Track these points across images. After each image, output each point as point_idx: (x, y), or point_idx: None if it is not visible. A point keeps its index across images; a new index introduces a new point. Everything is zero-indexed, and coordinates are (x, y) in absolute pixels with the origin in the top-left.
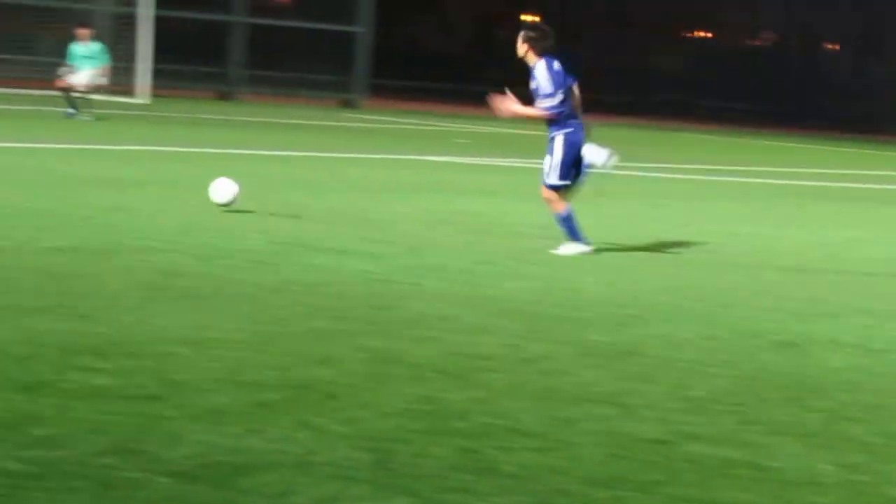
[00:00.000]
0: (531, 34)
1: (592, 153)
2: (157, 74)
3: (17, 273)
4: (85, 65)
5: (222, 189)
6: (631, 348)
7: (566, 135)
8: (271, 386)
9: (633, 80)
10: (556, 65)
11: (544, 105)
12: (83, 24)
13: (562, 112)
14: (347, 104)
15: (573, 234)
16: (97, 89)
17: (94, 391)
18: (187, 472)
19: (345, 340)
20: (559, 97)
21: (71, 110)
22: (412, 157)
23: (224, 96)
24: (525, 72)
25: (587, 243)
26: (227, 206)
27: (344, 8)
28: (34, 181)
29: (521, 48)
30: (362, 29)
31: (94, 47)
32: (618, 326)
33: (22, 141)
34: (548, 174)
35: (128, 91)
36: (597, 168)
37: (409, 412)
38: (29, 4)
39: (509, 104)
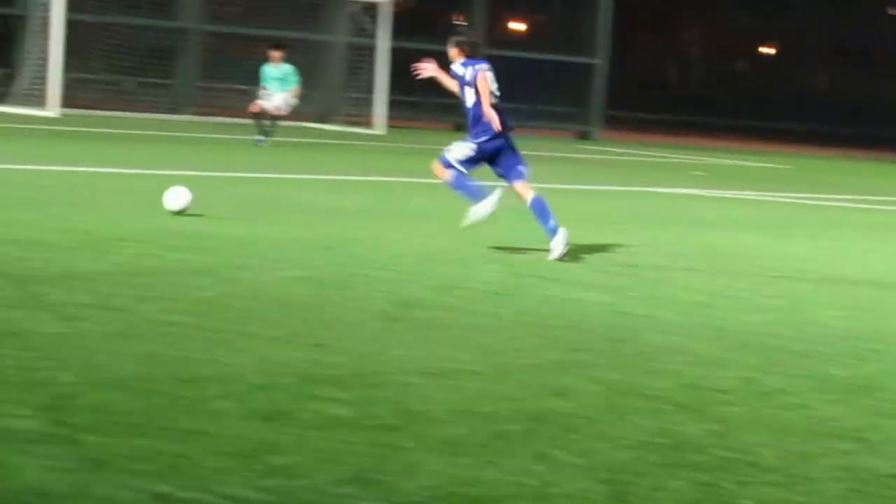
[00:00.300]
0: (461, 39)
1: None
2: (393, 106)
3: (256, 302)
4: (277, 87)
5: (176, 196)
6: (871, 383)
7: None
8: (508, 417)
9: (869, 112)
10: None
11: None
12: (277, 46)
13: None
14: (583, 136)
15: (472, 193)
16: (288, 113)
17: (333, 421)
18: (425, 503)
19: (581, 372)
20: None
21: (260, 138)
22: (649, 189)
23: (459, 127)
24: (761, 104)
25: (489, 194)
26: (180, 212)
27: (580, 40)
28: (271, 211)
29: (452, 52)
30: (599, 61)
31: (286, 69)
32: (857, 361)
33: (258, 171)
34: (449, 150)
35: (363, 122)
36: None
37: (647, 445)
38: (265, 34)
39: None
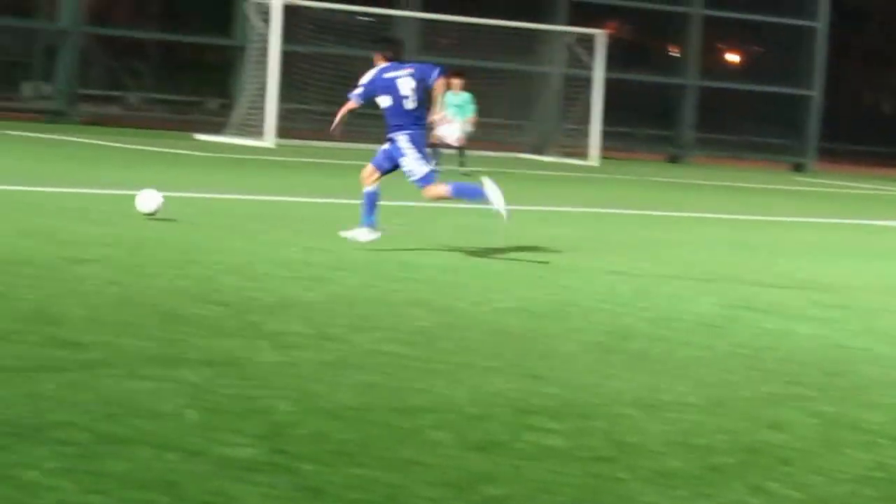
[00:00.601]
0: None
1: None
2: (606, 137)
3: (470, 333)
4: (454, 115)
5: (147, 199)
6: None
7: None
8: (722, 450)
9: None
10: (387, 73)
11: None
12: (458, 73)
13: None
14: (797, 168)
15: (473, 192)
16: (467, 142)
17: (547, 451)
18: None
19: (797, 405)
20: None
21: (436, 169)
22: (865, 221)
23: (673, 159)
24: None
25: (487, 185)
26: (151, 215)
27: (794, 71)
28: (485, 241)
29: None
30: (813, 92)
31: (465, 97)
32: None
33: None
34: (413, 172)
35: (578, 153)
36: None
37: (863, 478)
38: (484, 66)
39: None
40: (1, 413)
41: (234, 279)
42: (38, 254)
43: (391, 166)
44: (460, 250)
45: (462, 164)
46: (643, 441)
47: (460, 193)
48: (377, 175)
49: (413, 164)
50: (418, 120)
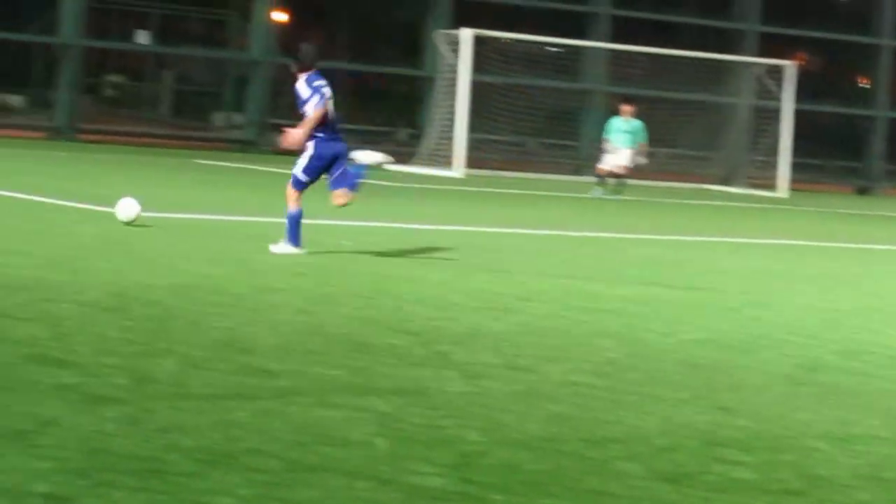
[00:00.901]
0: (297, 57)
1: (364, 155)
2: (795, 168)
3: (660, 364)
4: (623, 141)
5: (125, 208)
6: None
7: (319, 140)
8: None
9: None
10: (317, 81)
11: (308, 109)
12: (627, 100)
13: (324, 115)
14: (864, 191)
15: (294, 235)
16: (633, 171)
17: (737, 484)
18: None
19: None
20: (315, 99)
21: (598, 190)
22: None
23: (862, 190)
24: None
25: (301, 247)
26: (130, 223)
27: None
28: (674, 273)
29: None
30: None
31: (636, 124)
32: None
33: (660, 233)
34: (296, 167)
35: (767, 185)
36: (367, 167)
37: None
38: (673, 97)
39: (289, 134)
40: (194, 440)
41: (421, 309)
42: (229, 282)
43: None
44: (649, 282)
45: (617, 192)
46: (833, 474)
47: (291, 224)
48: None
49: (300, 162)
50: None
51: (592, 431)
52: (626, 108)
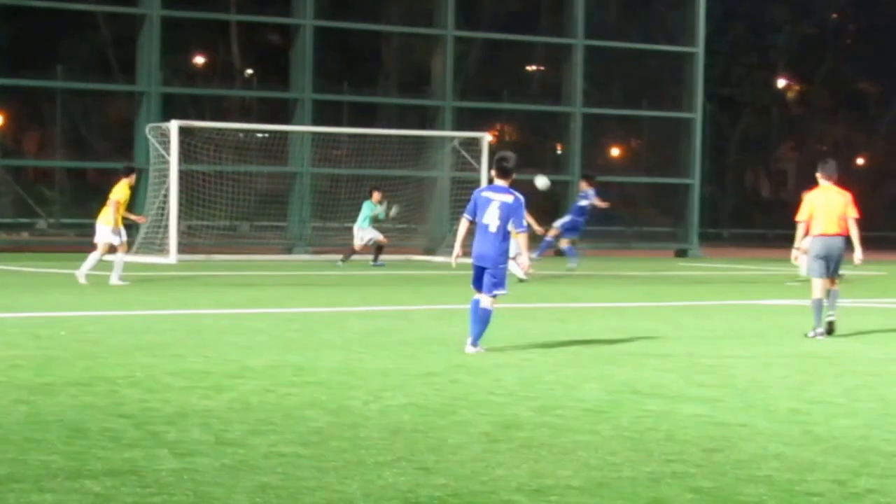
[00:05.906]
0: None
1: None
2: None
3: (363, 430)
4: (371, 223)
5: None
6: None
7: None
8: None
9: None
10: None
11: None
12: (377, 188)
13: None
14: (682, 254)
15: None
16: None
17: None
18: None
19: (677, 482)
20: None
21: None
22: (745, 302)
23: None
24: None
25: None
26: None
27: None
28: (379, 342)
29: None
30: (693, 181)
31: (380, 209)
32: None
33: (366, 305)
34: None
35: None
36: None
37: None
38: (378, 175)
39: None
40: None
41: (135, 392)
42: None
43: None
44: (355, 352)
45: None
46: None
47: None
48: None
49: None
50: None
51: (297, 499)
52: (377, 194)
